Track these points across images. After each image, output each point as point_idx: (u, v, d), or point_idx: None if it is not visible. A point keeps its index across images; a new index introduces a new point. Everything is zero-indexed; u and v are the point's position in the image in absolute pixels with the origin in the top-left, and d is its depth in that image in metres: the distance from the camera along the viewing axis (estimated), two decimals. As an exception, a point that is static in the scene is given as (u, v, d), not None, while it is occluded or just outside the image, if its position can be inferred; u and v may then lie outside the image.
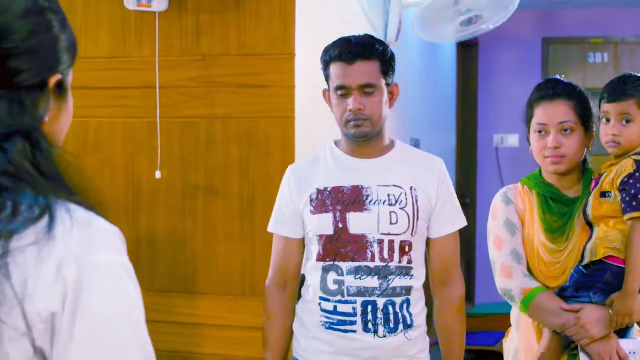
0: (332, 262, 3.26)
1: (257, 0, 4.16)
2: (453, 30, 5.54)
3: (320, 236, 3.27)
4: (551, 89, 3.31)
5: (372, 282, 3.21)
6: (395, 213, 3.23)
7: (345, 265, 3.23)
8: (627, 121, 3.18)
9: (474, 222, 8.86)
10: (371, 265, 3.22)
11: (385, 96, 3.25)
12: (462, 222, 3.39)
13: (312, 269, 3.32)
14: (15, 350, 1.31)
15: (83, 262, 1.35)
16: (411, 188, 3.26)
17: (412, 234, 3.24)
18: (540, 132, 3.29)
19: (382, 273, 3.22)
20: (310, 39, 4.27)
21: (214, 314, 4.28)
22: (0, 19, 1.39)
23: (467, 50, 9.14)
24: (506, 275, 3.28)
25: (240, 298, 4.23)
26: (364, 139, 3.26)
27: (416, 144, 6.66)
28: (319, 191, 3.29)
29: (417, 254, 3.29)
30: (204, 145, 4.28)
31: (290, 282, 3.42)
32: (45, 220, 1.34)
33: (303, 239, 3.38)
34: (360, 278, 3.22)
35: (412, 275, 3.26)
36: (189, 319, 4.31)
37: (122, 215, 4.37)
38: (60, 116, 1.51)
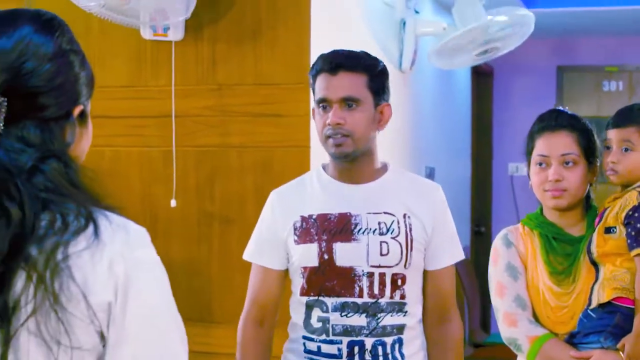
0: (316, 297, 2.97)
1: (273, 30, 4.18)
2: (469, 59, 5.56)
3: (304, 268, 2.98)
4: (554, 120, 3.17)
5: (360, 320, 2.92)
6: (387, 243, 2.94)
7: (330, 301, 2.94)
8: (627, 149, 3.06)
9: (488, 250, 8.82)
10: (358, 301, 2.92)
11: (372, 114, 2.96)
12: (460, 255, 3.15)
13: (295, 304, 3.06)
14: (84, 337, 1.59)
15: (128, 259, 1.64)
16: (404, 215, 2.98)
17: (405, 266, 2.96)
18: (540, 164, 3.14)
19: (371, 310, 2.92)
20: (326, 68, 4.27)
21: (230, 342, 4.26)
22: (31, 63, 1.66)
23: (482, 78, 9.14)
24: (510, 323, 3.09)
25: (256, 327, 4.21)
26: (347, 160, 2.97)
27: (431, 172, 6.66)
28: (303, 219, 3.00)
29: (412, 288, 3.00)
30: (219, 174, 4.28)
31: (267, 317, 3.15)
32: (91, 228, 1.62)
33: (284, 271, 3.10)
34: (346, 315, 2.93)
35: (406, 312, 2.97)
36: (204, 348, 4.30)
37: (138, 244, 4.37)
38: (82, 140, 1.79)
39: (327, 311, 2.94)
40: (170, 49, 4.30)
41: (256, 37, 4.21)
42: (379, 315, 2.93)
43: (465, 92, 8.58)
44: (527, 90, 9.43)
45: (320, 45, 4.20)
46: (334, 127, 2.91)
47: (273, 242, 3.07)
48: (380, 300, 2.94)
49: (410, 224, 2.98)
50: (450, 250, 3.10)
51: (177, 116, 4.30)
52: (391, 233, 2.96)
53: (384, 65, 3.06)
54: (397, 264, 2.95)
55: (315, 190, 3.06)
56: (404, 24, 5.46)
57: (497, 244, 3.23)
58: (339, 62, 2.96)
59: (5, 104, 1.62)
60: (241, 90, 4.24)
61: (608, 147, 3.12)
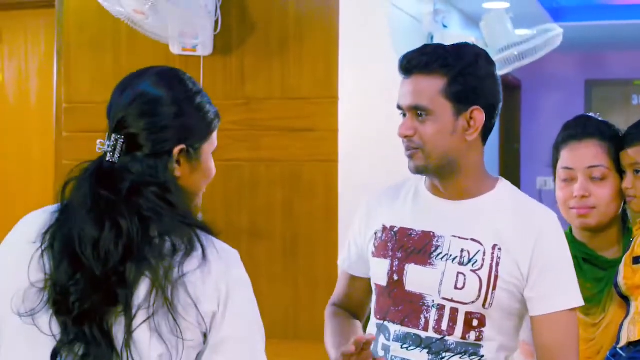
0: (382, 321, 2.59)
1: (301, 44, 4.19)
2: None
3: (376, 286, 2.63)
4: (580, 128, 2.78)
5: (420, 356, 2.50)
6: (464, 275, 2.48)
7: (393, 329, 2.55)
8: (638, 171, 2.69)
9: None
10: (422, 334, 2.51)
11: (450, 124, 2.48)
12: (573, 301, 2.50)
13: (371, 324, 2.68)
14: (192, 335, 1.97)
15: (229, 278, 2.02)
16: (494, 247, 2.47)
17: (484, 306, 2.46)
18: (565, 178, 2.78)
19: (435, 348, 2.49)
20: (354, 82, 4.28)
21: (257, 356, 4.27)
22: (121, 113, 2.08)
23: (510, 91, 9.13)
24: (527, 354, 2.72)
25: (284, 341, 4.21)
26: (424, 174, 2.57)
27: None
28: (384, 229, 2.62)
29: (495, 332, 2.49)
30: (247, 187, 4.29)
31: (357, 310, 2.82)
32: (200, 250, 2.00)
33: (369, 279, 2.72)
34: (407, 348, 2.52)
35: (482, 357, 2.48)
36: (232, 362, 4.30)
37: (166, 258, 4.38)
38: (192, 174, 2.16)
39: (389, 339, 2.56)
40: (199, 63, 4.31)
41: (284, 52, 4.22)
42: (443, 355, 2.49)
43: (493, 106, 8.55)
44: (555, 104, 9.41)
45: (348, 59, 4.20)
46: (403, 139, 2.53)
47: (358, 250, 2.74)
48: (447, 338, 2.48)
49: (498, 258, 2.48)
50: (557, 292, 2.50)
51: (206, 130, 4.30)
52: (472, 265, 2.48)
53: (478, 61, 2.54)
54: (472, 302, 2.47)
55: (408, 199, 2.65)
56: (432, 38, 5.46)
57: None
58: (413, 62, 2.52)
59: (122, 141, 2.05)
60: (269, 104, 4.25)
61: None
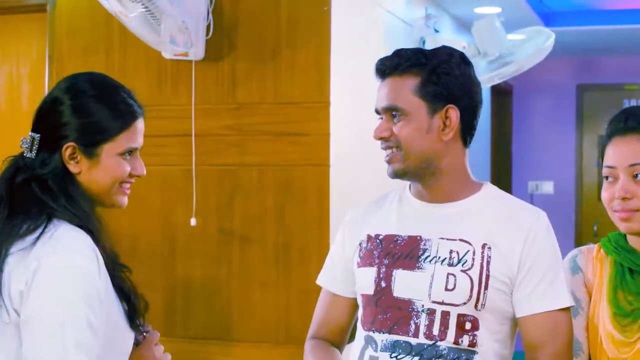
0: (368, 332, 2.48)
1: (293, 50, 4.19)
2: (486, 79, 5.56)
3: (363, 296, 2.52)
4: (622, 122, 2.47)
5: None
6: (454, 276, 2.39)
7: (380, 338, 2.44)
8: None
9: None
10: (412, 341, 2.39)
11: (426, 124, 2.43)
12: (561, 301, 2.41)
13: (357, 338, 2.55)
14: (5, 313, 2.11)
15: (45, 261, 2.10)
16: (484, 246, 2.40)
17: (476, 307, 2.37)
18: (607, 177, 2.46)
19: (427, 354, 2.38)
20: (345, 87, 4.29)
21: (249, 361, 4.27)
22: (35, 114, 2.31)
23: (502, 96, 9.14)
24: None
25: (275, 346, 4.22)
26: (405, 178, 2.51)
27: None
28: (369, 238, 2.54)
29: (489, 336, 2.40)
30: (239, 192, 4.29)
31: (335, 339, 2.67)
32: (37, 234, 2.14)
33: (354, 299, 2.62)
34: (396, 357, 2.40)
35: None
36: (223, 367, 4.31)
37: (158, 262, 4.39)
38: (91, 171, 2.27)
39: (376, 350, 2.44)
40: (190, 68, 4.31)
41: (276, 57, 4.23)
42: None
43: (484, 110, 8.57)
44: (547, 109, 9.43)
45: (340, 64, 4.21)
46: (381, 142, 2.49)
47: (343, 266, 2.63)
48: (439, 344, 2.38)
49: (489, 257, 2.40)
50: (545, 292, 2.41)
51: (197, 135, 4.31)
52: (462, 265, 2.40)
53: (451, 60, 2.49)
54: (463, 303, 2.38)
55: (392, 207, 2.58)
56: (424, 42, 5.47)
57: (564, 267, 2.54)
58: (386, 64, 2.51)
59: (36, 138, 2.27)
60: (261, 109, 4.25)
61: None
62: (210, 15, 4.24)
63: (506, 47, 5.52)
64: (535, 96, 9.41)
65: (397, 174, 2.48)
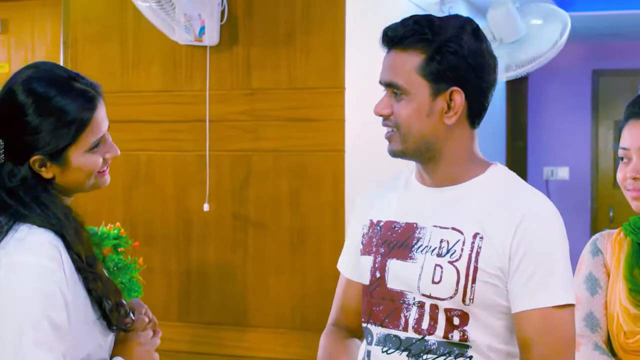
0: (366, 324, 2.38)
1: (307, 35, 4.18)
2: (503, 76, 5.55)
3: (362, 286, 2.42)
4: (638, 105, 2.55)
5: (400, 359, 2.28)
6: (441, 267, 2.23)
7: (375, 331, 2.33)
8: None
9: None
10: (402, 335, 2.27)
11: (427, 105, 2.24)
12: (560, 297, 2.19)
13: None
14: None
15: (3, 260, 2.09)
16: (475, 235, 2.22)
17: (464, 301, 2.21)
18: (622, 158, 2.54)
19: (414, 349, 2.25)
20: (360, 72, 4.27)
21: (264, 346, 4.28)
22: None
23: (517, 83, 9.09)
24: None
25: (291, 331, 4.22)
26: (404, 158, 2.34)
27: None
28: (371, 224, 2.41)
29: (481, 331, 2.24)
30: (253, 178, 4.29)
31: (353, 323, 2.50)
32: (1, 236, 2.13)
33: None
34: (386, 352, 2.30)
35: (470, 358, 2.22)
36: (239, 352, 4.31)
37: (173, 248, 4.39)
38: (65, 173, 2.23)
39: (371, 343, 2.35)
40: (205, 54, 4.31)
41: (290, 42, 4.22)
42: (424, 357, 2.24)
43: (499, 97, 8.55)
44: (562, 95, 9.40)
45: (354, 49, 4.20)
46: (379, 115, 2.33)
47: (353, 249, 2.49)
48: (427, 338, 2.24)
49: (478, 247, 2.21)
50: (535, 288, 2.19)
51: (212, 121, 4.31)
52: (450, 256, 2.22)
53: (462, 36, 2.25)
54: (450, 297, 2.22)
55: (397, 191, 2.42)
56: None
57: (585, 251, 2.64)
58: (391, 34, 2.28)
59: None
60: (275, 94, 4.24)
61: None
62: (225, 1, 4.23)
63: (522, 34, 5.49)
64: (550, 82, 9.38)
65: (395, 154, 2.32)
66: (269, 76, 4.26)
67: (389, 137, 2.30)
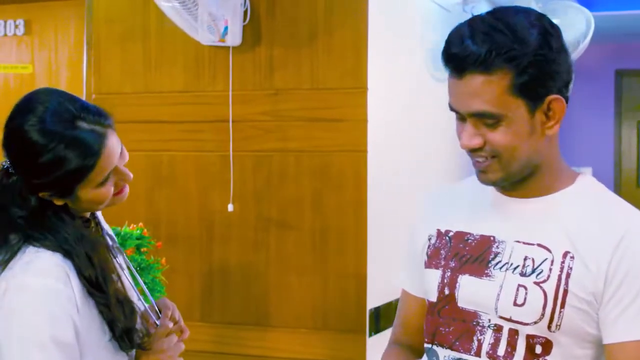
0: (430, 345, 2.17)
1: (330, 35, 4.18)
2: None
3: (427, 302, 2.21)
4: None
5: None
6: (526, 288, 2.00)
7: (442, 353, 2.12)
8: None
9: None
10: None
11: (527, 123, 2.00)
12: None
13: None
14: None
15: (11, 281, 2.10)
16: (565, 254, 1.99)
17: (549, 328, 1.98)
18: None
19: None
20: (383, 72, 4.27)
21: (286, 347, 4.28)
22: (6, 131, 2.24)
23: (539, 82, 9.10)
24: None
25: (312, 332, 4.22)
26: (499, 185, 2.11)
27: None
28: (439, 234, 2.21)
29: None
30: (276, 178, 4.29)
31: (414, 340, 2.33)
32: (7, 256, 2.14)
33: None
34: None
35: None
36: (260, 352, 4.31)
37: (195, 248, 4.40)
38: (78, 204, 2.25)
39: None
40: (227, 54, 4.31)
41: (313, 42, 4.21)
42: None
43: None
44: (585, 95, 9.36)
45: (377, 49, 4.19)
46: (468, 151, 2.08)
47: (412, 259, 2.30)
48: None
49: (569, 268, 1.98)
50: (634, 317, 1.95)
51: (235, 121, 4.31)
52: (537, 275, 2.00)
53: (549, 39, 1.99)
54: (535, 322, 1.99)
55: (466, 198, 2.22)
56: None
57: None
58: (466, 58, 1.96)
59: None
60: (298, 95, 4.24)
61: None
62: (247, 1, 4.23)
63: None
64: (573, 82, 9.34)
65: (495, 183, 2.10)
66: (292, 76, 4.26)
67: (484, 168, 2.06)
